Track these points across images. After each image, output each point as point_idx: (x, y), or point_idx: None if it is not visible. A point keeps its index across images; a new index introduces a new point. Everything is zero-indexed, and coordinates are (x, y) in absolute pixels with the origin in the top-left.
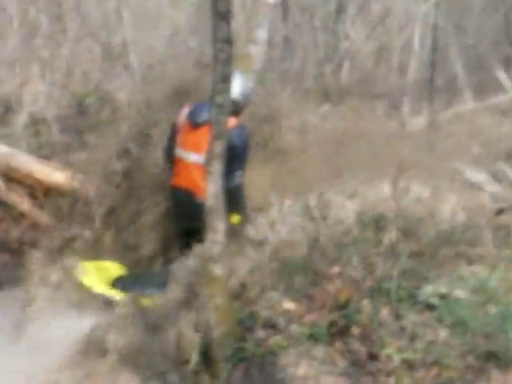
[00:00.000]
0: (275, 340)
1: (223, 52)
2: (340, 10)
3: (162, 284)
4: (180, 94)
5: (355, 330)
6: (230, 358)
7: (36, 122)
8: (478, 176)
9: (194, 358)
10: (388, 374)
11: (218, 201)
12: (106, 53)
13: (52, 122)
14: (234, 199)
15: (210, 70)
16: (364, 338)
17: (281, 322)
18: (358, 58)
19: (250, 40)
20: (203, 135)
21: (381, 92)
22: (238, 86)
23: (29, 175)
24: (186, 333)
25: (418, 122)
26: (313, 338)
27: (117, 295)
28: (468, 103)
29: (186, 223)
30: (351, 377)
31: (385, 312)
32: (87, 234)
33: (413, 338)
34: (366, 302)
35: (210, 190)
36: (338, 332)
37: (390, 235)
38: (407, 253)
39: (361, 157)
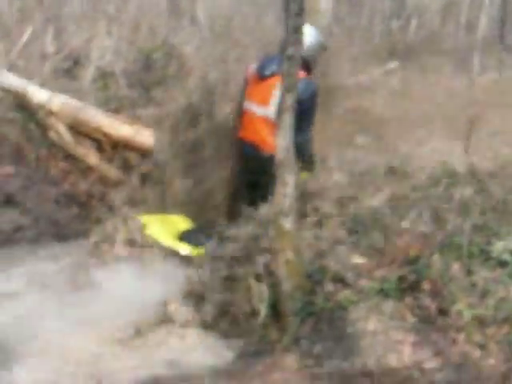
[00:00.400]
0: (345, 294)
1: (295, 2)
2: None
3: None
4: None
5: (425, 286)
6: (299, 312)
7: (104, 76)
8: None
9: (263, 311)
10: (458, 330)
11: (288, 154)
12: (173, 7)
13: (119, 77)
14: (302, 154)
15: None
16: (434, 294)
17: (350, 276)
18: (426, 14)
19: None
20: (270, 87)
21: (449, 49)
22: (306, 40)
23: (97, 129)
24: (255, 286)
25: (488, 78)
26: (382, 292)
27: (184, 249)
28: None
29: (251, 177)
30: (421, 332)
31: (455, 267)
32: (155, 188)
33: (484, 294)
34: (436, 257)
35: (281, 143)
36: (408, 287)
37: (462, 190)
38: (478, 208)
39: (430, 112)
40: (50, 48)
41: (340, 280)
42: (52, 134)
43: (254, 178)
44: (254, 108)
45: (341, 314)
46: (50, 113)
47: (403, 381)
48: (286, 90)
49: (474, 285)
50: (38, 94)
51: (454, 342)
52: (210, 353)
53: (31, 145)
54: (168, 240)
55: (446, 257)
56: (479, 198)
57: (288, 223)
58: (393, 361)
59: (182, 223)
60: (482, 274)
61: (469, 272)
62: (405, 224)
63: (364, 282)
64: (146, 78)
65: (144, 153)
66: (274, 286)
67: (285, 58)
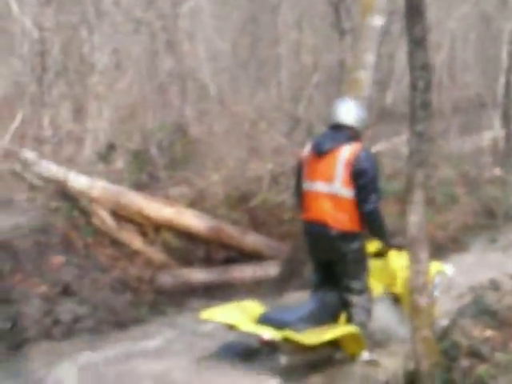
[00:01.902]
0: (483, 369)
1: (421, 79)
2: None
3: (312, 317)
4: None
5: None
6: None
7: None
8: None
9: None
10: None
11: (420, 230)
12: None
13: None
14: (370, 225)
15: None
16: None
17: (484, 350)
18: None
19: (359, 65)
20: (332, 163)
21: None
22: (351, 112)
23: (138, 212)
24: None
25: None
26: None
27: (267, 332)
28: None
29: (321, 256)
30: None
31: None
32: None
33: None
34: None
35: (414, 219)
36: None
37: None
38: None
39: None
40: (48, 131)
41: (475, 354)
42: (95, 221)
43: (323, 256)
44: (318, 186)
45: None
46: (92, 199)
47: None
48: (417, 165)
49: None
50: (79, 181)
51: None
52: None
53: (77, 232)
54: (248, 325)
55: None
56: None
57: (423, 300)
58: None
59: (257, 307)
60: None
61: None
62: None
63: (500, 356)
64: (159, 157)
65: (187, 233)
66: (410, 364)
67: (413, 134)
